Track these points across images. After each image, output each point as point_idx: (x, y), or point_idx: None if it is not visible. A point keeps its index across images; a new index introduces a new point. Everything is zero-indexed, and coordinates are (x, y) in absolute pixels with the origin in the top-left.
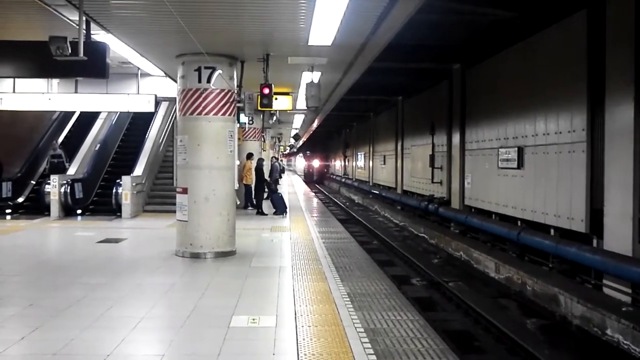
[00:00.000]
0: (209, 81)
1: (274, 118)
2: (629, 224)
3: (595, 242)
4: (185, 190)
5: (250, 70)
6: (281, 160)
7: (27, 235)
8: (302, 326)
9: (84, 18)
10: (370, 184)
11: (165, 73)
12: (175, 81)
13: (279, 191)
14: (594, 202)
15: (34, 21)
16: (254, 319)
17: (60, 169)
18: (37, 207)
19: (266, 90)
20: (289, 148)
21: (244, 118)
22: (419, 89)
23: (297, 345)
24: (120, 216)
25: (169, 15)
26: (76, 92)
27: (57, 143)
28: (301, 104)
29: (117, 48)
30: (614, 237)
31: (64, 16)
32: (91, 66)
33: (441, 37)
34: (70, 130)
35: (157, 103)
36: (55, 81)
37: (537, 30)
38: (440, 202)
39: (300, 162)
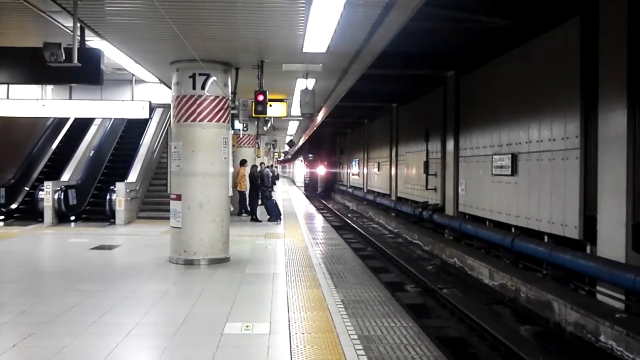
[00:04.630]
0: (203, 88)
1: (269, 125)
2: (623, 231)
3: (588, 248)
4: (179, 197)
5: (245, 77)
6: (275, 167)
7: (20, 242)
8: (296, 333)
9: (78, 24)
10: (365, 190)
11: (160, 80)
12: (170, 88)
13: (272, 197)
14: (588, 209)
15: (28, 27)
16: (247, 326)
17: None
18: (30, 214)
19: (260, 97)
20: (283, 155)
21: (238, 125)
22: (414, 95)
23: (291, 353)
24: (114, 223)
25: (164, 22)
26: (70, 98)
27: None
28: (296, 110)
29: (112, 54)
30: (608, 244)
31: (59, 23)
32: (85, 72)
33: (436, 44)
34: (64, 137)
35: (152, 109)
36: (49, 87)
37: (531, 37)
38: (434, 208)
39: (299, 169)
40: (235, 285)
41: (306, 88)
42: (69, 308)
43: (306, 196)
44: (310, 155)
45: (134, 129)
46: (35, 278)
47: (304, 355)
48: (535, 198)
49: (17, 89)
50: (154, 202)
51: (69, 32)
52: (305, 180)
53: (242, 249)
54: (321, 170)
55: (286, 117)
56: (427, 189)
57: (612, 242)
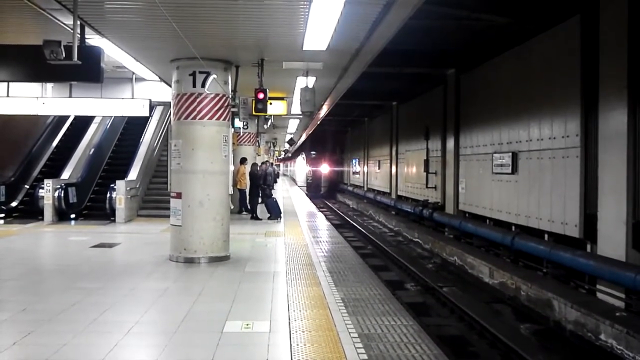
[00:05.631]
0: (203, 86)
1: (269, 123)
2: (623, 229)
3: (589, 247)
4: (179, 195)
5: (245, 75)
6: (276, 165)
7: (21, 240)
8: (296, 331)
9: (78, 22)
10: (365, 188)
11: (160, 77)
12: (170, 86)
13: (273, 196)
14: (588, 207)
15: (28, 25)
16: (247, 324)
17: None
18: (30, 212)
19: (261, 95)
20: (283, 153)
21: (238, 123)
22: (414, 94)
23: (291, 351)
24: (114, 221)
25: (164, 19)
26: (70, 96)
27: None
28: (296, 108)
29: (112, 52)
30: (608, 242)
31: (59, 20)
32: (85, 70)
33: (436, 42)
34: (64, 135)
35: (152, 107)
36: (49, 85)
37: (532, 35)
38: (434, 207)
39: (301, 167)
40: (235, 284)
41: (306, 86)
42: (69, 306)
43: (308, 197)
44: (312, 152)
45: (134, 127)
46: (35, 276)
47: (304, 353)
48: (536, 196)
49: (17, 87)
50: (154, 200)
51: (69, 29)
52: (307, 179)
53: (243, 247)
54: (325, 168)
55: (286, 115)
56: (427, 187)
57: (612, 241)
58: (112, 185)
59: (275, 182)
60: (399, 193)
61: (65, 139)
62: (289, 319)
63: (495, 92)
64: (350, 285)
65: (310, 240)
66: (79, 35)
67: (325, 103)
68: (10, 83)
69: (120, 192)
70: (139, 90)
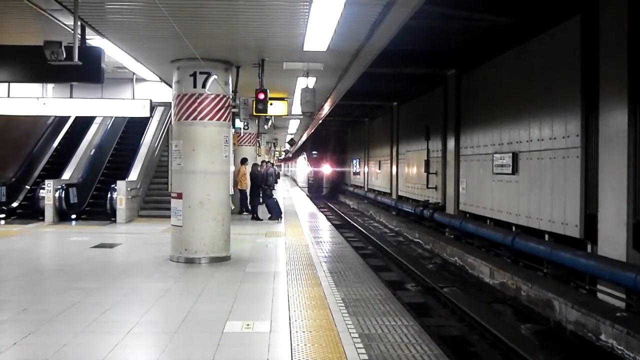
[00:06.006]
0: (204, 86)
1: (269, 123)
2: (623, 230)
3: (589, 247)
4: (180, 196)
5: (246, 75)
6: (277, 166)
7: (21, 240)
8: (297, 332)
9: (79, 23)
10: (366, 189)
11: (161, 78)
12: (171, 86)
13: (274, 196)
14: (588, 207)
15: (29, 26)
16: (248, 325)
17: None
18: (31, 212)
19: (261, 96)
20: (284, 153)
21: (239, 123)
22: (414, 94)
23: (292, 351)
24: (114, 221)
25: (165, 20)
26: (71, 96)
27: None
28: (296, 109)
29: (112, 53)
30: (608, 243)
31: (59, 21)
32: (86, 71)
33: (436, 42)
34: (65, 135)
35: (152, 108)
36: (50, 86)
37: (532, 36)
38: (435, 207)
39: (302, 167)
40: (236, 284)
41: (307, 86)
42: (70, 306)
43: (310, 198)
44: (314, 152)
45: (134, 127)
46: (36, 276)
47: (304, 353)
48: (536, 197)
49: (18, 88)
50: (155, 200)
51: (70, 30)
52: (308, 180)
53: (243, 248)
54: (327, 169)
55: (287, 115)
56: (427, 187)
57: (612, 241)
58: (112, 185)
59: (276, 182)
60: (400, 193)
61: (66, 140)
62: (290, 319)
63: (496, 92)
64: (350, 285)
65: (310, 240)
66: (79, 36)
67: (326, 103)
68: (11, 84)
69: (121, 193)
70: (139, 91)
